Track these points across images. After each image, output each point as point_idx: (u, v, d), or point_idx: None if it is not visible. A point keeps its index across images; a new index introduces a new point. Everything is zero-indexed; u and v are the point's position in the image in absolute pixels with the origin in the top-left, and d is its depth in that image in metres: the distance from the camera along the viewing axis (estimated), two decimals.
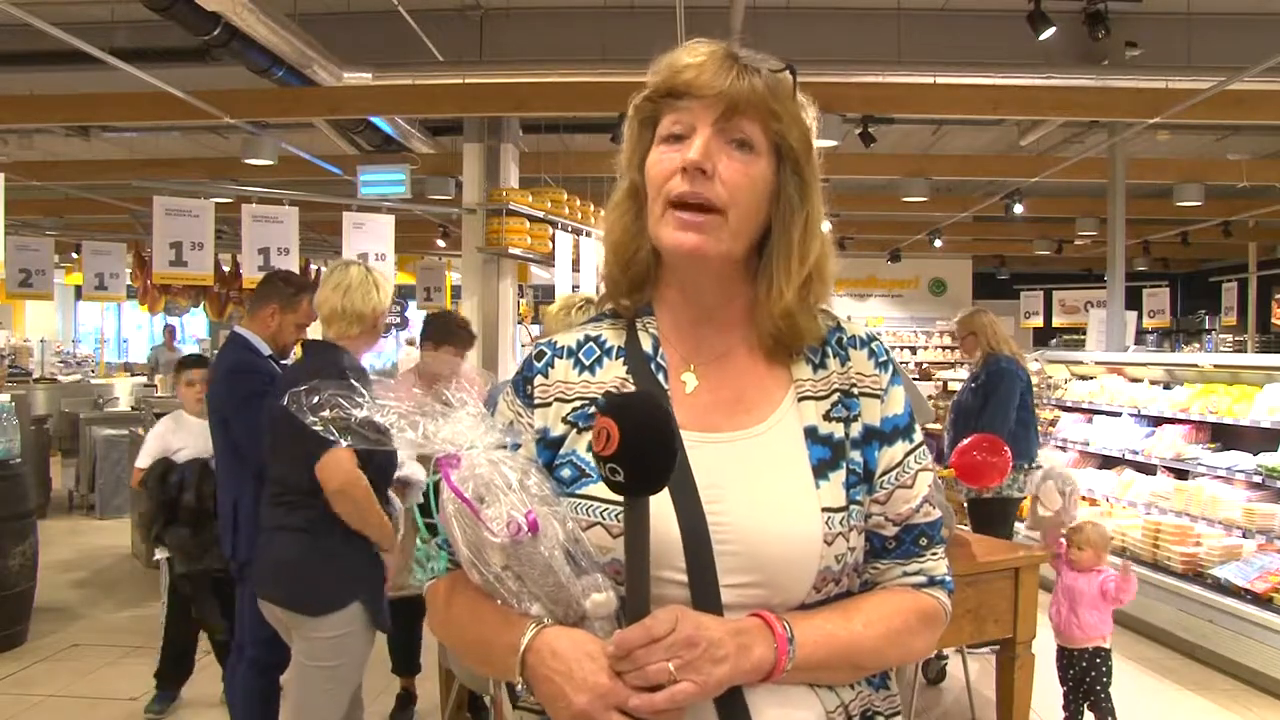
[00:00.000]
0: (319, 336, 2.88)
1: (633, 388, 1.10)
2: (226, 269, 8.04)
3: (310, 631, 2.62)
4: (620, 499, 0.96)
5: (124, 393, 11.47)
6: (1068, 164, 8.18)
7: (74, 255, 10.73)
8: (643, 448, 0.90)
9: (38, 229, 9.73)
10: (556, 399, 1.12)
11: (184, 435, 3.84)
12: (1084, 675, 3.48)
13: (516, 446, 1.07)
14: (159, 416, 6.54)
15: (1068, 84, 6.28)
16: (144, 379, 12.03)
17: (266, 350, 3.22)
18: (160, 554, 3.87)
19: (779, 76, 1.06)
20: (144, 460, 3.82)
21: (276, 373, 3.10)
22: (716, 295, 1.11)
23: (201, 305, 8.91)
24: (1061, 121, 7.92)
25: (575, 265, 7.09)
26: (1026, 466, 4.71)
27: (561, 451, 1.09)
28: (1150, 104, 6.11)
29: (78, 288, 12.12)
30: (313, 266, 8.54)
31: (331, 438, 1.01)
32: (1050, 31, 5.66)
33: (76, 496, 8.50)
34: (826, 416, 1.09)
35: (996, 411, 4.65)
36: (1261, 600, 4.44)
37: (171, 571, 3.82)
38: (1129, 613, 5.30)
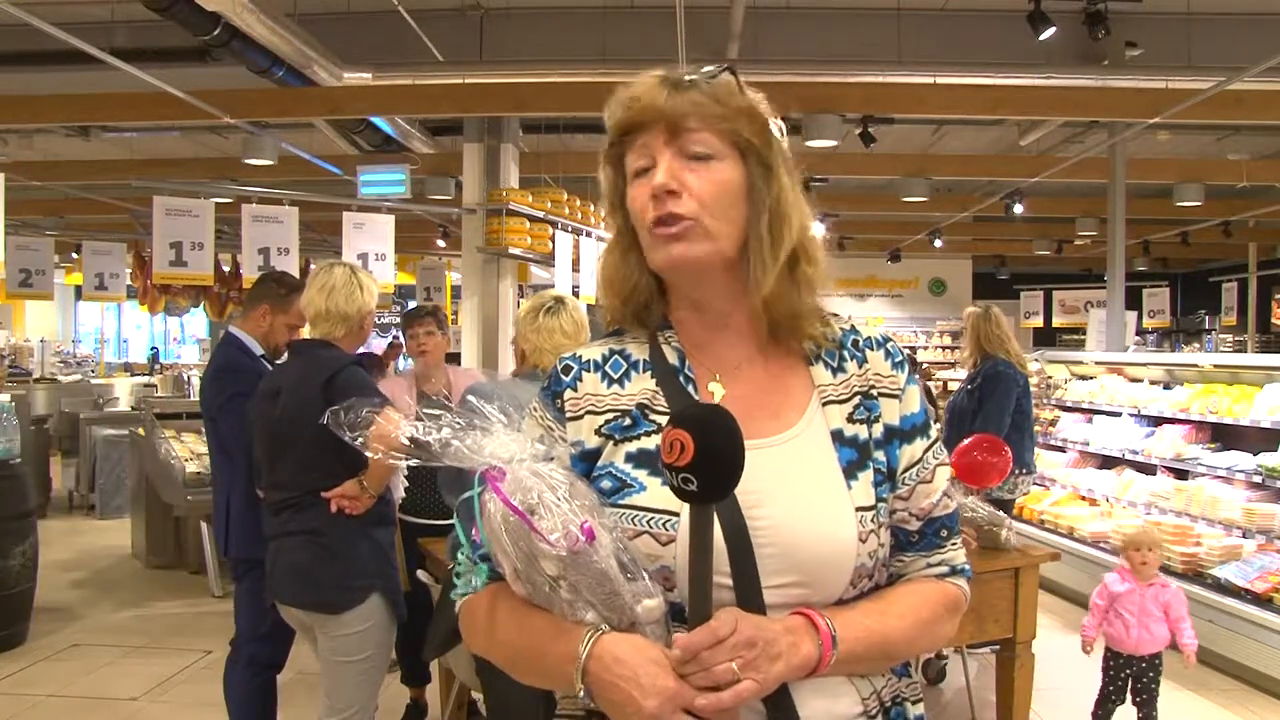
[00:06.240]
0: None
1: (663, 400, 1.12)
2: (226, 269, 8.04)
3: (336, 630, 2.63)
4: (670, 508, 1.02)
5: (124, 393, 11.48)
6: (1068, 164, 8.17)
7: (74, 255, 10.71)
8: (716, 458, 0.94)
9: (38, 229, 9.70)
10: (589, 411, 1.14)
11: None
12: (1142, 676, 3.50)
13: (550, 459, 1.10)
14: (159, 417, 6.61)
15: (1068, 84, 6.28)
16: (144, 379, 12.03)
17: (259, 350, 3.24)
18: None
19: (717, 80, 1.10)
20: None
21: (266, 372, 3.10)
22: (723, 302, 1.14)
23: (201, 305, 8.91)
24: (1061, 121, 7.92)
25: (575, 265, 7.08)
26: (1019, 471, 4.68)
27: (599, 463, 1.12)
28: (1150, 104, 6.11)
29: (78, 288, 12.11)
30: (313, 266, 8.51)
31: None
32: (1050, 31, 5.65)
33: (76, 496, 8.51)
34: (850, 419, 1.13)
35: (991, 415, 4.62)
36: (1261, 600, 4.44)
37: None
38: None
